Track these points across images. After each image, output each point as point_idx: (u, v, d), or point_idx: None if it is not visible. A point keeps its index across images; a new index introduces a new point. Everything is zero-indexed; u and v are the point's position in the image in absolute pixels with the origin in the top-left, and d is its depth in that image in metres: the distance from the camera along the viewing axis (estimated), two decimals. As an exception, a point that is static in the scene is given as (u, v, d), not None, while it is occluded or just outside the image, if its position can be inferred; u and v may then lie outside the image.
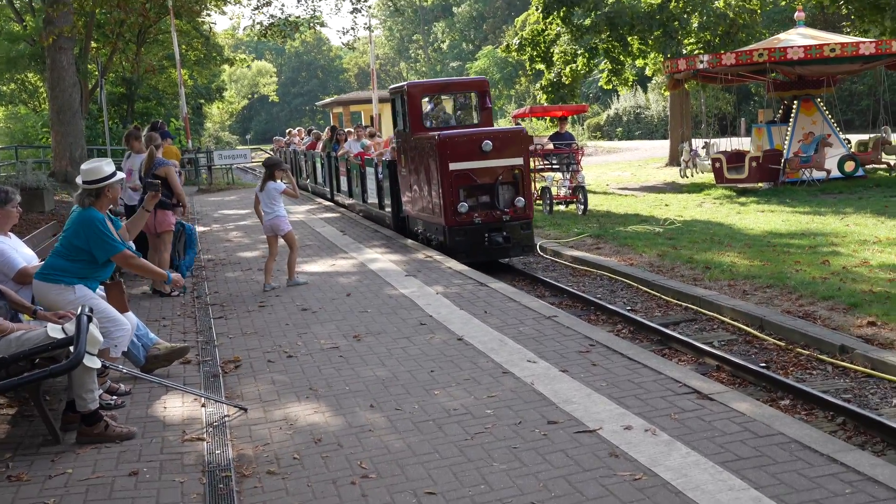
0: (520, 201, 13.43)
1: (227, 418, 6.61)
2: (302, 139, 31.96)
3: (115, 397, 7.06)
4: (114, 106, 38.75)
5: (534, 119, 38.54)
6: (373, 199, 18.22)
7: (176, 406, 6.93)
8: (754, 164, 23.18)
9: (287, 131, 36.89)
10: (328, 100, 51.81)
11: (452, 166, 13.18)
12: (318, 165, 26.04)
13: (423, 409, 6.55)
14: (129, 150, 13.06)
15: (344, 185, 21.76)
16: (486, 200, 13.49)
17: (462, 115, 16.46)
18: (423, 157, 13.95)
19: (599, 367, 7.26)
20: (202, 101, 51.51)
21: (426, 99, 15.54)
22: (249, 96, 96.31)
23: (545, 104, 31.59)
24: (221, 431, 6.34)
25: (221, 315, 10.26)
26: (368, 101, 38.01)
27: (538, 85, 36.04)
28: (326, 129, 26.16)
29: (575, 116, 44.12)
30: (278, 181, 11.80)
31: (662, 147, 40.82)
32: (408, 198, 15.39)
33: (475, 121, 15.65)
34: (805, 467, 5.06)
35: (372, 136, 21.40)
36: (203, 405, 6.89)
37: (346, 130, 23.73)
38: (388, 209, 16.73)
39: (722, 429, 5.74)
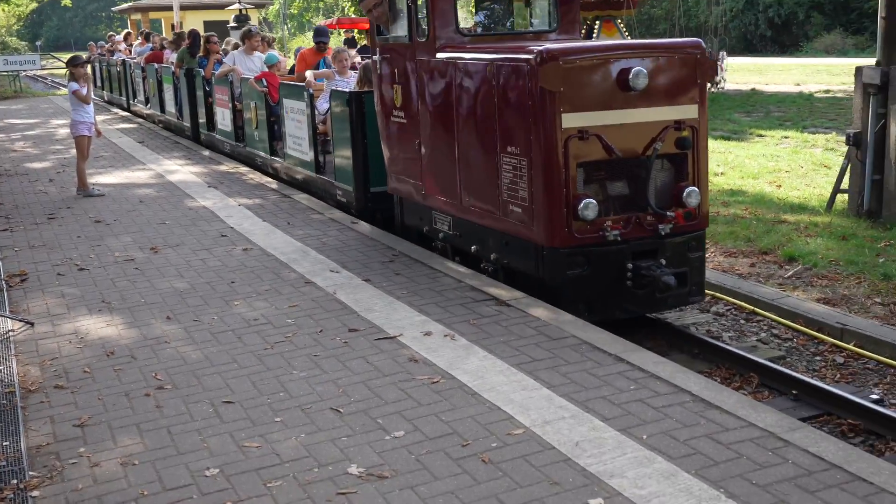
0: (692, 194, 6.72)
1: (11, 333, 6.26)
2: (130, 45, 25.27)
3: None
4: None
5: (340, 32, 37.98)
6: (301, 153, 11.09)
7: (-47, 321, 6.50)
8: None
9: (109, 35, 31.44)
10: (125, 5, 49.06)
11: (569, 119, 6.38)
12: (170, 87, 17.93)
13: (222, 319, 6.41)
14: None
15: (224, 122, 14.53)
16: (622, 193, 6.79)
17: (519, 16, 9.16)
18: (477, 94, 7.14)
19: (402, 276, 7.30)
20: (-16, 1, 47.70)
21: None
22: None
23: (353, 16, 31.11)
24: (5, 347, 6.01)
25: (6, 227, 9.66)
26: (169, 7, 36.31)
27: (347, -4, 35.43)
28: (177, 35, 18.66)
29: (384, 31, 43.77)
30: (74, 81, 11.32)
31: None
32: (408, 166, 8.34)
33: (548, 26, 8.44)
34: (594, 367, 5.29)
35: (270, 43, 15.24)
36: (-16, 320, 6.50)
37: (209, 35, 16.31)
38: (344, 178, 9.79)
39: (518, 333, 5.90)
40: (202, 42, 15.90)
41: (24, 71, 34.22)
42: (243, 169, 12.99)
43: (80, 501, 4.01)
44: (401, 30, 8.23)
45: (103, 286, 7.36)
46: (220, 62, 14.62)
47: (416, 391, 5.04)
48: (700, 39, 7.11)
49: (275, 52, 13.85)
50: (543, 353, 5.52)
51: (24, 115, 23.53)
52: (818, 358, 6.87)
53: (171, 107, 18.12)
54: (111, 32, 31.77)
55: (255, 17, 37.12)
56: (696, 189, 6.74)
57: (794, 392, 6.07)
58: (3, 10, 59.65)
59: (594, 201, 6.44)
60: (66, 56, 12.87)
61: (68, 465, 4.35)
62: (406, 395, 5.00)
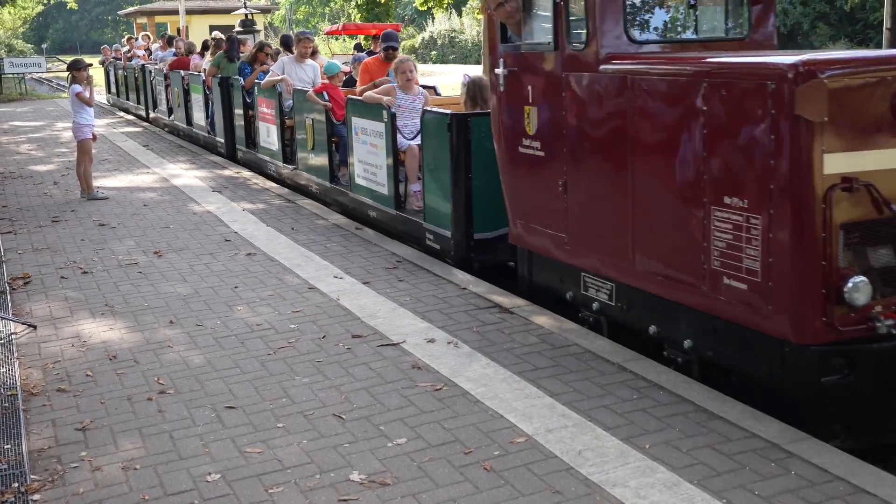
0: None
1: (13, 336, 6.26)
2: (148, 48, 23.83)
3: None
4: None
5: (346, 38, 38.09)
6: (375, 184, 9.15)
7: (-44, 324, 6.51)
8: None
9: (126, 38, 29.63)
10: (131, 9, 49.27)
11: (834, 162, 4.62)
12: (199, 97, 15.94)
13: (225, 324, 6.41)
14: None
15: (268, 140, 12.60)
16: (888, 264, 4.84)
17: (689, 17, 6.67)
18: (672, 122, 5.29)
19: (405, 282, 7.30)
20: (-9, 4, 47.82)
21: None
22: (45, 2, 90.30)
23: (359, 22, 31.19)
24: (7, 349, 6.01)
25: (10, 230, 9.68)
26: (175, 12, 36.43)
27: (353, 2, 35.52)
28: (218, 41, 15.92)
29: (389, 37, 43.77)
30: (77, 84, 11.42)
31: (476, 71, 41.20)
32: (545, 212, 6.45)
33: (726, 32, 6.55)
34: (597, 375, 5.28)
35: (314, 53, 12.94)
36: (-13, 322, 6.50)
37: (263, 43, 14.78)
38: (438, 220, 7.93)
39: (521, 341, 5.90)
40: (255, 50, 13.96)
41: (30, 73, 34.33)
42: (247, 174, 13.00)
43: (82, 505, 4.01)
44: (541, 34, 6.42)
45: (106, 290, 7.36)
46: (264, 73, 12.85)
47: (418, 398, 5.03)
48: None
49: (336, 62, 11.86)
50: (546, 362, 5.52)
51: (29, 118, 23.59)
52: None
53: (199, 119, 16.29)
54: (129, 35, 30.48)
55: (260, 23, 37.22)
56: None
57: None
58: (10, 12, 59.82)
59: (866, 280, 4.57)
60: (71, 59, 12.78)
61: (70, 468, 4.34)
62: (409, 402, 4.99)
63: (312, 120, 10.69)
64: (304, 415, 4.87)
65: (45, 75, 43.50)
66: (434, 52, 61.06)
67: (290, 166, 11.80)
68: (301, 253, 8.30)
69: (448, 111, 7.82)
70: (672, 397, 4.93)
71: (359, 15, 32.66)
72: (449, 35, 60.72)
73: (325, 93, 10.56)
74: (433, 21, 60.68)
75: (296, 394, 5.15)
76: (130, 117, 22.89)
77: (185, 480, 4.19)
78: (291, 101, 11.65)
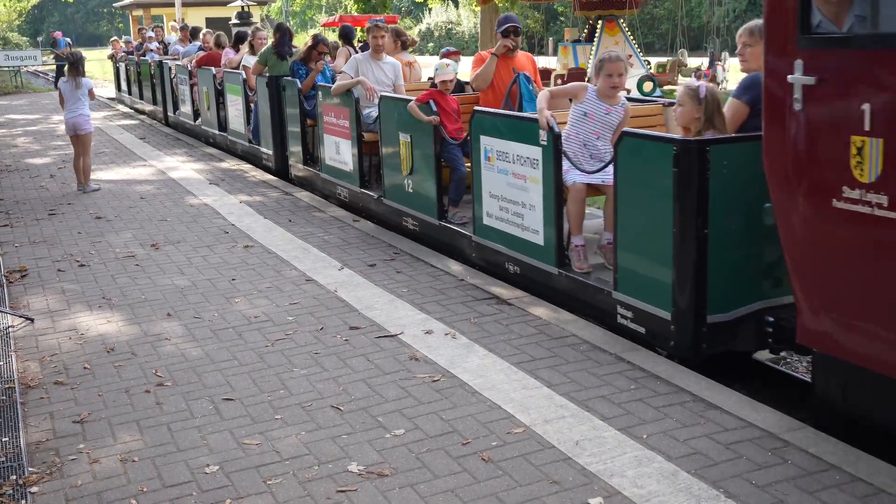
0: None
1: (11, 329, 6.26)
2: (162, 41, 21.86)
3: None
4: None
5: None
6: (518, 229, 6.78)
7: (-46, 317, 6.50)
8: (559, 81, 23.74)
9: (138, 30, 27.37)
10: (127, 1, 49.13)
11: None
12: (238, 100, 13.51)
13: (222, 317, 6.41)
14: None
15: (338, 158, 9.93)
16: None
17: None
18: None
19: (403, 274, 7.30)
20: (-14, -3, 47.76)
21: None
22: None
23: (355, 14, 31.14)
24: (5, 342, 6.01)
25: (7, 223, 9.67)
26: (171, 4, 36.38)
27: (349, -6, 35.47)
28: (255, 31, 13.70)
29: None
30: (88, 76, 11.47)
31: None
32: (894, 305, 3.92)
33: None
34: (594, 366, 5.29)
35: (408, 45, 11.03)
36: (-16, 316, 6.50)
37: (318, 36, 11.52)
38: (643, 292, 5.56)
39: (518, 332, 5.90)
40: (308, 47, 11.18)
41: (26, 66, 34.29)
42: (245, 166, 12.99)
43: (80, 497, 4.01)
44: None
45: (104, 282, 7.36)
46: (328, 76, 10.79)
47: (416, 389, 5.04)
48: None
49: (449, 60, 8.63)
50: (544, 352, 5.52)
51: (25, 111, 23.56)
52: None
53: (237, 125, 13.90)
54: (141, 27, 29.17)
55: (257, 15, 37.15)
56: None
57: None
58: (5, 5, 59.66)
59: None
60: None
61: (68, 461, 4.35)
62: (406, 393, 5.00)
63: (410, 137, 8.22)
64: (302, 406, 4.87)
65: (40, 68, 43.44)
66: (431, 44, 60.97)
67: (373, 193, 9.24)
68: (298, 245, 8.30)
69: (666, 135, 5.93)
70: (669, 387, 4.94)
71: (355, 6, 32.63)
72: (446, 27, 60.64)
73: (431, 101, 8.00)
74: (430, 13, 60.58)
75: (294, 385, 5.16)
76: (128, 110, 22.83)
77: (184, 472, 4.19)
78: (375, 111, 9.14)
